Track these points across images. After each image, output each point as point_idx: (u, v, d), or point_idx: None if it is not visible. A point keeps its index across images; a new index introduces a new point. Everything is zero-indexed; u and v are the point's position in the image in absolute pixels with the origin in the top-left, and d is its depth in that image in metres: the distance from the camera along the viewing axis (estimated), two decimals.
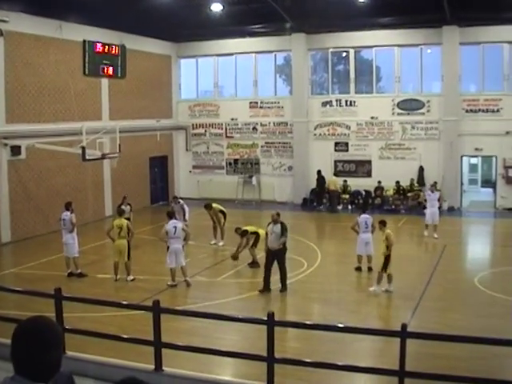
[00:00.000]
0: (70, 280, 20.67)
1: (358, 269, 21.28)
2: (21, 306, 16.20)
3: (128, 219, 22.18)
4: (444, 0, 30.50)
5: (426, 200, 28.14)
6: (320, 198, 36.76)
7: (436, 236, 26.84)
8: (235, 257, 22.68)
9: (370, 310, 18.12)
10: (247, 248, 22.47)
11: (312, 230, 32.48)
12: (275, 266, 19.17)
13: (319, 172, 36.54)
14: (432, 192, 27.97)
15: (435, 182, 32.98)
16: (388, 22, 34.78)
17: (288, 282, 19.66)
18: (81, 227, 23.68)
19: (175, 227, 20.18)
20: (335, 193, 35.51)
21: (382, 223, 19.59)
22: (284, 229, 19.28)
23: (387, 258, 18.84)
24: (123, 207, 27.34)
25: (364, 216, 21.57)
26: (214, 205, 26.71)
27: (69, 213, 21.58)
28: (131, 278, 20.61)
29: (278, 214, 19.71)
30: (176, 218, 21.48)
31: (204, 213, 26.57)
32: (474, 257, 25.69)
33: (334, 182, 35.57)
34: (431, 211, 27.26)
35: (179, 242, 20.27)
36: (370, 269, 21.19)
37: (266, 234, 19.70)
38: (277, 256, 19.15)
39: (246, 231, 22.53)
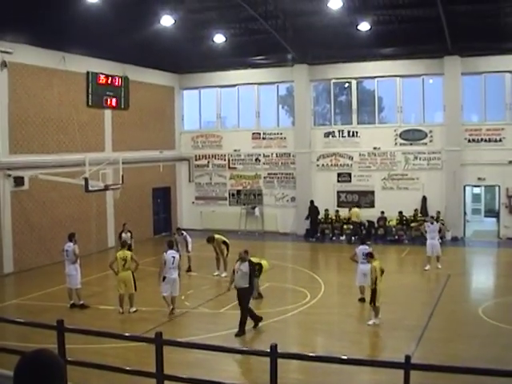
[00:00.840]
0: (72, 311, 20.59)
1: (362, 300, 21.15)
2: (23, 338, 16.16)
3: (129, 246, 22.12)
4: (445, 30, 30.74)
5: (426, 231, 27.92)
6: (313, 229, 36.81)
7: (439, 266, 26.70)
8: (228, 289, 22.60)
9: (373, 341, 18.03)
10: None
11: (315, 261, 32.40)
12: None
13: (312, 202, 36.70)
14: (431, 223, 27.78)
15: (438, 212, 33.01)
16: (389, 53, 35.03)
17: (292, 313, 19.58)
18: (84, 258, 23.64)
19: (174, 257, 20.20)
20: (357, 224, 35.42)
21: (370, 255, 19.59)
22: (252, 268, 18.75)
23: (374, 291, 18.81)
24: (124, 234, 27.67)
25: (362, 247, 21.50)
26: (217, 236, 26.66)
27: (72, 244, 21.58)
28: (134, 309, 20.52)
29: (246, 252, 19.16)
30: (177, 249, 21.48)
31: (207, 244, 26.53)
32: (477, 287, 25.57)
33: (357, 214, 35.45)
34: (431, 243, 27.02)
35: (176, 272, 20.29)
36: (362, 299, 21.15)
37: (234, 271, 19.16)
38: (240, 295, 18.49)
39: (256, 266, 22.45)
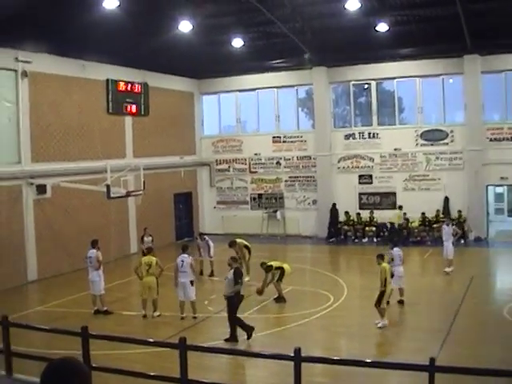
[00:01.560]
0: (96, 317, 20.69)
1: (400, 302, 21.12)
2: (47, 344, 16.27)
3: (151, 250, 22.17)
4: (464, 29, 30.58)
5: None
6: (333, 231, 36.79)
7: (447, 270, 26.16)
8: (261, 292, 22.58)
9: (397, 343, 17.95)
10: (272, 283, 22.39)
11: (337, 264, 32.36)
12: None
13: (334, 205, 36.78)
14: (447, 225, 27.50)
15: (460, 212, 32.76)
16: (408, 53, 34.89)
17: (315, 316, 19.57)
18: (106, 264, 23.73)
19: (182, 261, 20.22)
20: (400, 227, 35.00)
21: (380, 257, 19.52)
22: (238, 276, 18.22)
23: (382, 293, 18.77)
24: (145, 238, 28.12)
25: (396, 250, 21.45)
26: (239, 240, 26.68)
27: (95, 250, 21.70)
28: (157, 313, 20.63)
29: (234, 259, 18.96)
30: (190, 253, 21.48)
31: (229, 249, 26.54)
32: (502, 288, 25.33)
33: (399, 216, 35.17)
34: (445, 245, 26.70)
35: (186, 276, 20.20)
36: (401, 302, 21.06)
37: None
38: (228, 303, 18.11)
39: (271, 266, 22.45)
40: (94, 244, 21.93)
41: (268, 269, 22.44)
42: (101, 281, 21.61)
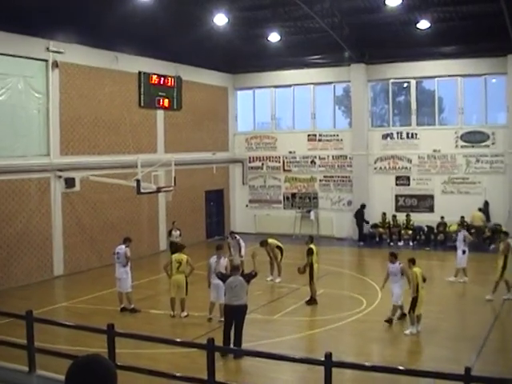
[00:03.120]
0: (122, 315, 20.78)
1: None
2: (72, 341, 16.37)
3: (177, 245, 22.14)
4: (508, 27, 30.18)
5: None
6: (361, 233, 36.74)
7: (451, 279, 25.57)
8: (302, 271, 22.49)
9: (431, 351, 17.75)
10: (309, 283, 22.31)
11: (372, 267, 32.13)
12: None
13: (363, 206, 36.60)
14: (459, 232, 27.06)
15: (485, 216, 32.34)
16: (450, 52, 34.56)
17: (347, 320, 19.49)
18: (135, 261, 23.81)
19: (216, 262, 20.16)
20: (480, 229, 34.07)
21: (411, 261, 19.31)
22: (249, 276, 17.73)
23: (414, 299, 18.58)
24: (173, 232, 28.30)
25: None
26: (271, 240, 26.65)
27: (123, 246, 21.81)
28: (185, 314, 20.62)
29: (236, 268, 18.18)
30: (224, 253, 21.36)
31: (261, 248, 26.51)
32: None
33: (480, 217, 34.34)
34: (457, 253, 26.00)
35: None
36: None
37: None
38: (244, 313, 17.11)
39: (312, 251, 22.42)
40: (126, 241, 22.09)
41: (309, 252, 22.39)
42: (128, 278, 21.66)
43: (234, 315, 16.76)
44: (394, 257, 19.88)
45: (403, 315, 19.64)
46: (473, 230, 33.21)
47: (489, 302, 21.98)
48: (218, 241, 34.00)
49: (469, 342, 17.69)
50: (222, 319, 18.66)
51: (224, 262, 20.32)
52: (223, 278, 17.64)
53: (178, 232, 29.58)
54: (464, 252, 25.83)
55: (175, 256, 21.15)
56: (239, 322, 16.70)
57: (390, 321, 19.52)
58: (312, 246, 22.73)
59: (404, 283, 19.78)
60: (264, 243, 26.30)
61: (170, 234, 30.22)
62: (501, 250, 22.79)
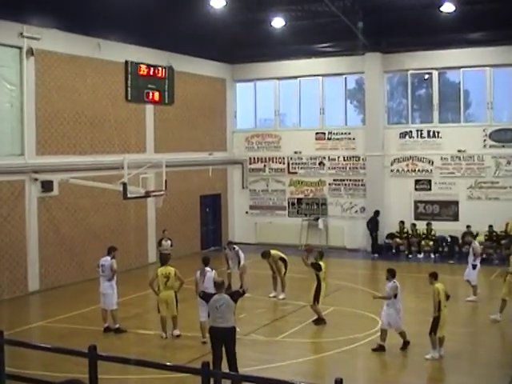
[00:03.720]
0: (106, 336, 20.73)
1: None
2: (49, 366, 16.29)
3: (168, 258, 22.03)
4: None
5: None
6: (375, 244, 36.81)
7: (469, 299, 25.18)
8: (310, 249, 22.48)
9: (456, 379, 17.63)
10: (310, 305, 22.28)
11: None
12: None
13: (376, 213, 36.66)
14: (469, 245, 26.98)
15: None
16: (478, 39, 34.52)
17: (360, 342, 19.40)
18: (121, 275, 23.69)
19: (204, 276, 19.96)
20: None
21: (433, 276, 19.15)
22: (235, 295, 17.06)
23: (436, 319, 18.45)
24: (164, 242, 28.21)
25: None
26: (273, 251, 26.58)
27: (109, 258, 21.75)
28: (177, 332, 20.57)
29: (220, 285, 17.19)
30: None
31: (263, 260, 26.45)
32: None
33: None
34: (468, 268, 25.90)
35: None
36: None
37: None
38: (234, 335, 16.58)
39: (320, 266, 22.35)
40: (111, 251, 21.99)
41: (316, 266, 22.36)
42: (114, 294, 21.60)
43: (222, 340, 16.39)
44: (389, 273, 19.57)
45: (406, 343, 19.45)
46: (503, 241, 33.21)
47: None
48: (214, 252, 34.01)
49: (499, 368, 17.62)
50: (204, 340, 18.39)
51: (212, 274, 19.86)
52: (205, 297, 17.19)
53: (169, 242, 29.39)
54: (474, 267, 25.69)
55: (161, 270, 20.86)
56: (230, 348, 16.35)
57: (380, 348, 19.23)
58: (321, 262, 22.62)
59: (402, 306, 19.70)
60: (266, 255, 26.23)
61: (159, 244, 29.98)
62: None
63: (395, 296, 19.36)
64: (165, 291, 20.63)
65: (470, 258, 25.95)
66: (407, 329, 20.25)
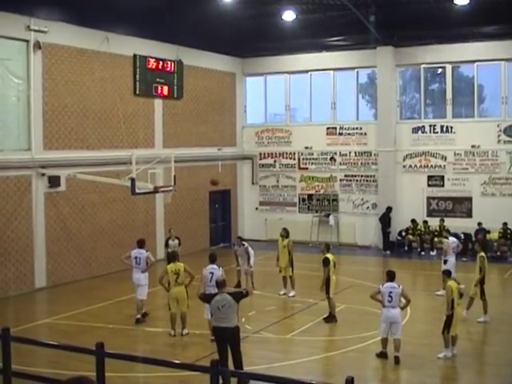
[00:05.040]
0: (113, 334, 20.68)
1: None
2: (55, 363, 16.30)
3: (176, 255, 22.10)
4: None
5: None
6: (386, 241, 36.78)
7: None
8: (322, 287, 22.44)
9: (470, 378, 17.59)
10: (326, 297, 22.25)
11: (400, 280, 31.88)
12: None
13: (389, 209, 36.60)
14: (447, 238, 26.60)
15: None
16: (493, 32, 34.39)
17: (371, 341, 19.35)
18: (127, 272, 23.73)
19: (212, 273, 19.74)
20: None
21: (446, 274, 19.11)
22: (238, 295, 16.95)
23: (449, 318, 18.36)
24: (171, 241, 28.17)
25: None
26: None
27: (144, 250, 22.48)
28: (186, 331, 20.57)
29: (221, 284, 17.01)
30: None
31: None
32: None
33: None
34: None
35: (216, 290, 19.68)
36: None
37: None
38: (238, 334, 16.59)
39: (328, 261, 22.28)
40: (142, 244, 22.79)
41: (325, 262, 22.29)
42: (147, 285, 22.47)
43: (227, 339, 16.35)
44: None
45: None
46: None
47: None
48: (224, 248, 33.98)
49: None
50: (213, 338, 18.31)
51: (218, 273, 19.63)
52: (206, 298, 17.21)
53: (177, 241, 28.83)
54: (445, 262, 25.37)
55: (171, 266, 20.93)
56: (234, 347, 16.33)
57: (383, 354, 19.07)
58: (328, 255, 22.58)
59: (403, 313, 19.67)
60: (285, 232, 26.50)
61: (166, 244, 29.23)
62: None
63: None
64: (175, 287, 20.65)
65: (449, 256, 25.65)
66: (414, 327, 20.21)
